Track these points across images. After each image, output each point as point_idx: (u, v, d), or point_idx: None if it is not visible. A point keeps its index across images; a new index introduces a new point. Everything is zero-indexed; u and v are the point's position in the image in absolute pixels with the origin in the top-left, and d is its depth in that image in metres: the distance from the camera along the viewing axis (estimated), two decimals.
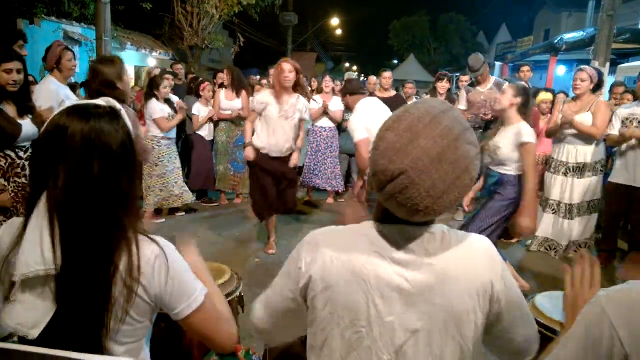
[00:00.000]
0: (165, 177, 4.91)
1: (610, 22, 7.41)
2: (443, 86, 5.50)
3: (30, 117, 2.86)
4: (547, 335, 1.58)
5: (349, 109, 4.04)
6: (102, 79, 2.84)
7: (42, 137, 1.02)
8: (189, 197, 5.16)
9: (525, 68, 5.30)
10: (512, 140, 3.12)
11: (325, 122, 5.97)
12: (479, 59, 5.21)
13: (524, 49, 15.92)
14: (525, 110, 3.21)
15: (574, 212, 4.25)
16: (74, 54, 3.78)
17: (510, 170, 3.20)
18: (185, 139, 6.07)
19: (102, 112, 1.04)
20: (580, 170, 4.19)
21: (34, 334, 0.99)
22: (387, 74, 5.80)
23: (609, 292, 0.88)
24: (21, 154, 2.79)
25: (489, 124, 5.23)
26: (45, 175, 0.99)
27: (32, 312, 1.00)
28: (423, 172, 0.89)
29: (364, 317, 0.98)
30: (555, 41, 9.67)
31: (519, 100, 3.17)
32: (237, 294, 1.88)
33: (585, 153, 4.16)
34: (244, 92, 5.51)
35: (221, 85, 5.72)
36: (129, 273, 1.01)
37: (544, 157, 4.90)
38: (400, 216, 0.97)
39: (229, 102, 5.48)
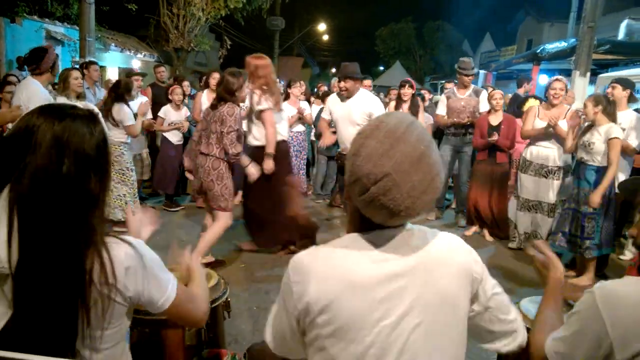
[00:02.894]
0: (134, 186, 4.79)
1: (591, 33, 7.59)
2: (405, 93, 5.59)
3: None
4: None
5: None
6: (227, 87, 3.50)
7: (12, 132, 1.00)
8: None
9: (558, 85, 4.68)
10: (603, 137, 3.79)
11: (299, 127, 6.23)
12: (472, 62, 5.51)
13: (507, 57, 16.19)
14: (610, 112, 3.86)
15: (548, 209, 4.55)
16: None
17: (604, 162, 3.84)
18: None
19: (79, 113, 1.03)
20: (556, 172, 4.51)
21: None
22: (367, 82, 5.94)
23: (602, 285, 1.03)
24: None
25: (468, 128, 5.41)
26: (8, 170, 0.96)
27: None
28: (405, 174, 0.95)
29: (367, 326, 0.98)
30: (538, 51, 9.86)
31: (599, 107, 3.82)
32: (224, 299, 1.85)
33: (561, 156, 4.50)
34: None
35: (206, 87, 5.62)
36: (104, 280, 0.99)
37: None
38: (380, 220, 1.01)
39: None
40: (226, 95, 3.53)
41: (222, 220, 3.66)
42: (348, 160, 1.02)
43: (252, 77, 3.90)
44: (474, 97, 5.43)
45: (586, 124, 4.20)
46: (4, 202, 0.96)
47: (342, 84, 4.28)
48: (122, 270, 1.02)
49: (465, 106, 5.40)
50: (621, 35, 10.98)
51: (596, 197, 3.76)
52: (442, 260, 1.05)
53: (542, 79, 10.98)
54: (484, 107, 5.42)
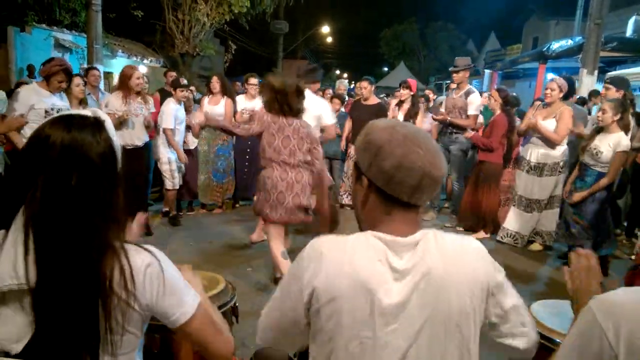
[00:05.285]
0: None
1: (598, 30, 7.53)
2: (403, 94, 5.63)
3: None
4: (544, 344, 1.58)
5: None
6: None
7: (25, 147, 1.01)
8: None
9: (550, 85, 4.79)
10: (612, 147, 3.82)
11: None
12: (463, 60, 5.57)
13: (512, 56, 16.10)
14: (626, 123, 3.93)
15: (533, 206, 4.66)
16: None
17: (607, 170, 3.88)
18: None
19: (85, 122, 1.02)
20: (540, 169, 4.58)
21: (17, 348, 0.97)
22: (364, 84, 5.89)
23: (599, 298, 0.94)
24: None
25: (454, 127, 5.48)
26: (25, 186, 0.97)
27: (14, 327, 0.98)
28: (418, 138, 1.06)
29: (368, 327, 0.99)
30: (544, 49, 9.81)
31: (618, 116, 3.84)
32: (232, 304, 1.86)
33: (556, 154, 4.54)
34: (227, 99, 5.54)
35: (209, 92, 5.63)
36: (123, 285, 0.99)
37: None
38: (405, 193, 1.03)
39: (212, 108, 5.43)
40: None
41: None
42: (362, 141, 1.09)
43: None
44: (462, 99, 5.47)
45: (593, 125, 4.22)
46: (20, 222, 0.97)
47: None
48: (141, 277, 1.02)
49: (453, 106, 5.49)
50: (629, 32, 10.89)
51: (577, 197, 3.94)
52: (457, 277, 1.02)
53: (550, 78, 10.95)
54: (472, 109, 5.40)
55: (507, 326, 1.10)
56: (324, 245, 1.05)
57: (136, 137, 4.47)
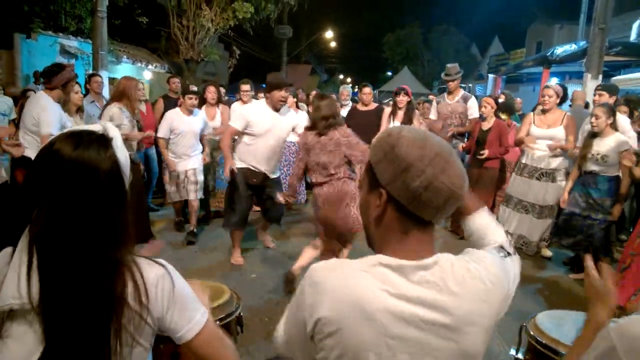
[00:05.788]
0: None
1: (602, 34, 7.51)
2: (401, 100, 5.60)
3: None
4: (549, 355, 1.57)
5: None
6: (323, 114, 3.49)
7: (34, 163, 1.00)
8: None
9: (546, 92, 4.72)
10: (615, 148, 3.85)
11: (292, 138, 6.05)
12: (455, 68, 5.65)
13: (516, 60, 16.08)
14: (615, 124, 3.96)
15: (545, 212, 4.61)
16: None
17: (615, 172, 3.92)
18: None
19: (92, 138, 1.01)
20: (552, 175, 4.56)
21: None
22: (367, 90, 5.96)
23: (619, 324, 0.91)
24: None
25: (454, 135, 5.54)
26: (32, 203, 0.97)
27: (22, 347, 0.97)
28: (447, 155, 0.98)
29: (374, 358, 0.94)
30: (548, 54, 9.79)
31: (612, 119, 3.90)
32: (237, 314, 1.86)
33: (557, 160, 4.55)
34: (223, 107, 5.56)
35: (203, 101, 5.55)
36: (137, 298, 0.99)
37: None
38: (430, 213, 0.97)
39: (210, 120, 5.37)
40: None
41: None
42: (385, 151, 0.99)
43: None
44: (461, 103, 5.56)
45: (585, 131, 4.23)
46: (25, 239, 0.97)
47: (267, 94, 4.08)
48: (153, 290, 1.02)
49: (452, 112, 5.54)
50: (633, 36, 10.86)
51: (617, 211, 3.89)
52: (472, 314, 0.96)
53: (553, 82, 10.92)
54: (473, 113, 5.51)
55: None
56: (323, 275, 0.99)
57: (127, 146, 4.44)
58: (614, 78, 7.96)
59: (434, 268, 0.97)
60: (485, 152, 4.93)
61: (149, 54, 15.86)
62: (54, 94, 3.70)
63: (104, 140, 1.02)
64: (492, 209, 5.15)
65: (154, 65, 15.19)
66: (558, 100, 4.57)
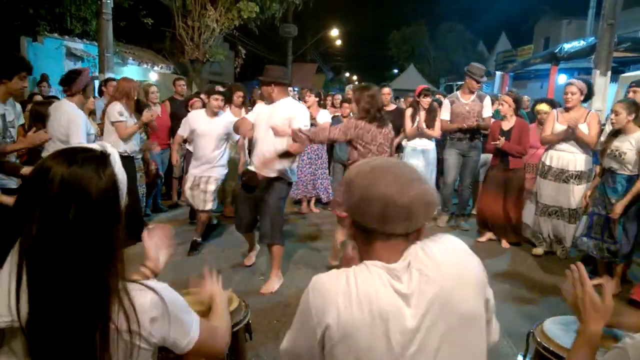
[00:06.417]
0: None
1: (611, 30, 7.42)
2: (426, 101, 5.63)
3: None
4: None
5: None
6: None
7: (26, 179, 0.99)
8: None
9: (569, 89, 4.47)
10: (635, 146, 3.70)
11: None
12: (482, 70, 5.49)
13: (524, 57, 15.95)
14: (639, 121, 3.81)
15: (577, 215, 4.47)
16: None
17: (635, 170, 3.76)
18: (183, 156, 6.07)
19: (88, 156, 1.00)
20: (578, 177, 4.40)
21: None
22: (386, 90, 5.92)
23: (635, 339, 0.94)
24: None
25: (474, 133, 5.44)
26: (23, 220, 0.95)
27: None
28: (401, 174, 1.08)
29: (387, 357, 0.99)
30: (556, 50, 9.68)
31: (632, 116, 3.74)
32: (245, 322, 1.86)
33: (582, 161, 4.40)
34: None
35: (229, 102, 5.44)
36: (127, 327, 0.97)
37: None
38: (401, 228, 1.05)
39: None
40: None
41: None
42: (349, 185, 1.10)
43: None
44: (478, 102, 5.45)
45: (608, 128, 4.11)
46: (15, 255, 0.95)
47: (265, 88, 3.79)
48: (147, 319, 1.01)
49: (470, 111, 5.42)
50: None
51: (619, 208, 3.70)
52: (459, 281, 1.05)
53: (561, 79, 10.79)
54: (487, 112, 5.44)
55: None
56: (326, 283, 1.05)
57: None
58: (622, 75, 7.85)
59: (412, 262, 1.05)
60: (501, 141, 4.71)
61: (154, 55, 15.91)
62: (75, 99, 3.78)
63: (103, 159, 1.02)
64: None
65: (160, 66, 15.24)
66: (582, 98, 4.38)
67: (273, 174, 3.69)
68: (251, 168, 3.84)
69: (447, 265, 1.05)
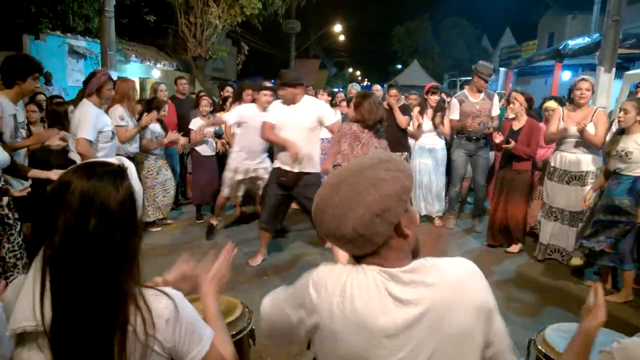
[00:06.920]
0: (154, 189, 5.09)
1: (616, 27, 7.33)
2: (435, 99, 5.62)
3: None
4: None
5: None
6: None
7: (49, 193, 1.04)
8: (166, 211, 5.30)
9: (584, 85, 4.36)
10: (639, 144, 3.60)
11: (325, 134, 6.02)
12: (490, 69, 5.43)
13: (528, 53, 15.85)
14: None
15: (577, 218, 4.34)
16: (114, 85, 4.04)
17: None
18: (187, 154, 6.09)
19: (107, 170, 1.06)
20: (582, 178, 4.28)
21: None
22: (393, 92, 5.85)
23: (623, 345, 0.97)
24: None
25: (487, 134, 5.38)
26: (46, 231, 1.00)
27: None
28: (326, 199, 1.05)
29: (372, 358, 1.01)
30: (560, 47, 9.60)
31: None
32: (249, 329, 1.86)
33: (588, 161, 4.27)
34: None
35: (238, 99, 5.43)
36: (143, 329, 1.02)
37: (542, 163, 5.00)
38: (352, 253, 1.07)
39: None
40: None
41: None
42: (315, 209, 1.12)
43: None
44: (488, 101, 5.40)
45: (614, 128, 4.04)
46: (39, 263, 1.01)
47: (281, 92, 4.15)
48: (162, 323, 1.05)
49: (480, 110, 5.37)
50: None
51: None
52: (460, 300, 1.02)
53: (566, 75, 10.71)
54: (496, 110, 5.43)
55: (491, 350, 1.08)
56: (329, 277, 1.06)
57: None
58: (627, 73, 7.78)
59: (412, 272, 1.04)
60: (512, 144, 4.56)
61: (157, 52, 15.90)
62: (93, 99, 3.83)
63: (120, 172, 1.07)
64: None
65: (163, 63, 15.23)
66: (592, 95, 4.29)
67: (311, 169, 4.18)
68: (285, 167, 4.15)
69: (451, 282, 1.03)
